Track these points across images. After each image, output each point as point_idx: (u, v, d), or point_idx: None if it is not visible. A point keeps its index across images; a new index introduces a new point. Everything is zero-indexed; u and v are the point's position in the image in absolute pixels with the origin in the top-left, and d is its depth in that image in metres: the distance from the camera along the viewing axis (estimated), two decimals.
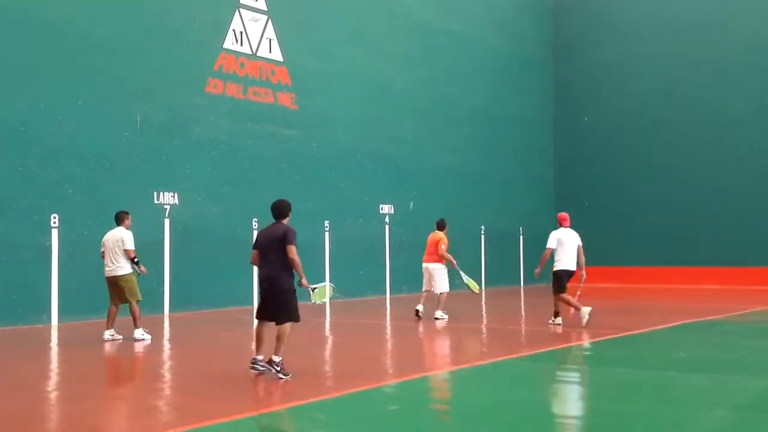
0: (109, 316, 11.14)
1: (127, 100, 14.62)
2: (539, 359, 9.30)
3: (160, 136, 15.13)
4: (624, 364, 8.86)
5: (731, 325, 13.24)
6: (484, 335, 12.25)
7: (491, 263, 22.95)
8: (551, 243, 12.30)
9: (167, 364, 9.43)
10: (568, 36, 26.52)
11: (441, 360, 9.77)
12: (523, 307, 17.28)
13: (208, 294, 15.70)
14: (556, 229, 12.49)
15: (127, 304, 11.12)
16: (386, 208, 19.84)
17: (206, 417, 6.07)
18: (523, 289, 23.05)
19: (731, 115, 23.42)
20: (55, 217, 13.35)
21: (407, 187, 20.49)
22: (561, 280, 12.22)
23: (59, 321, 13.23)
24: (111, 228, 11.19)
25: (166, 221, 15.02)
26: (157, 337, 11.88)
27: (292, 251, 8.12)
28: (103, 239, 11.27)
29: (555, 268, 12.25)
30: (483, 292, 21.62)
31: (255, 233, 16.46)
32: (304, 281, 8.40)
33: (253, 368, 7.97)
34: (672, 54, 24.43)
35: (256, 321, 8.45)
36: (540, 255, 12.58)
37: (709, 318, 13.94)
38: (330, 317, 15.03)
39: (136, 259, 11.02)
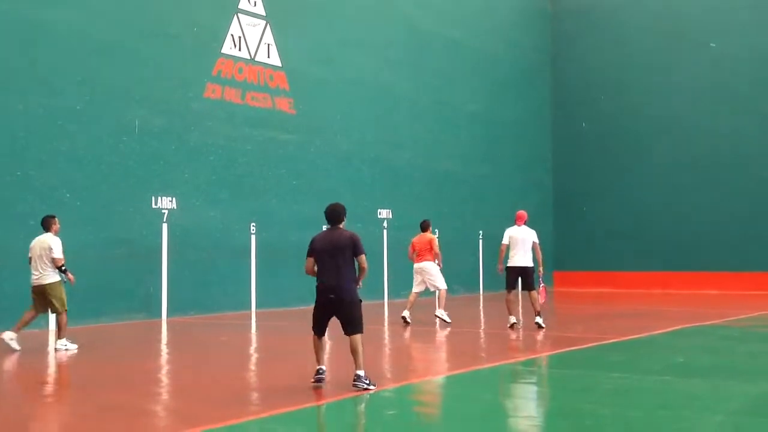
0: (21, 320, 10.51)
1: (126, 105, 14.62)
2: (537, 364, 9.30)
3: (159, 140, 15.13)
4: (622, 368, 8.85)
5: (730, 329, 13.24)
6: (481, 339, 12.25)
7: (489, 268, 22.92)
8: (504, 240, 12.88)
9: (164, 369, 9.42)
10: (567, 42, 26.58)
11: (439, 364, 9.76)
12: (521, 311, 17.27)
13: (205, 299, 15.69)
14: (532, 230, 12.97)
15: (54, 313, 10.54)
16: (384, 213, 19.84)
17: (203, 422, 6.06)
18: (521, 294, 23.01)
19: (729, 121, 23.46)
20: None
21: (405, 192, 20.50)
22: (508, 276, 12.75)
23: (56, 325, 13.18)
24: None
25: (164, 226, 15.01)
26: (154, 342, 11.88)
27: (364, 260, 7.71)
28: (30, 245, 10.57)
29: (506, 265, 12.80)
30: (481, 296, 21.62)
31: (253, 238, 16.51)
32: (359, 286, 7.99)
33: (318, 381, 7.49)
34: (670, 61, 24.49)
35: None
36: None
37: (708, 323, 13.94)
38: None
39: (64, 268, 10.41)
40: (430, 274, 14.03)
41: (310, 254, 8.02)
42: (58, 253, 10.40)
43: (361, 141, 19.39)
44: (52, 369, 9.58)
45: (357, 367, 7.48)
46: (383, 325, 14.42)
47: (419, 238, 14.27)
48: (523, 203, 24.55)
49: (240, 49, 16.72)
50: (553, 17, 26.94)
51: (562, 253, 25.95)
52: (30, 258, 10.58)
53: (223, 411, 6.52)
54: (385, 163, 19.98)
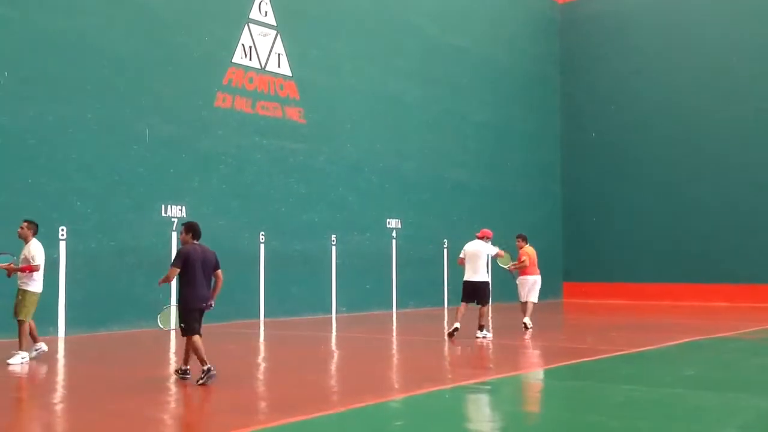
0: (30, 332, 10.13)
1: (136, 113, 14.68)
2: (547, 375, 9.26)
3: (169, 149, 15.18)
4: (632, 381, 8.81)
5: (740, 342, 13.16)
6: (490, 350, 12.21)
7: (497, 279, 22.87)
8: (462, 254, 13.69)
9: (172, 378, 9.42)
10: (576, 52, 26.56)
11: (447, 375, 9.73)
12: (528, 322, 17.20)
13: (214, 307, 15.66)
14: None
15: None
16: (393, 223, 19.84)
17: (210, 430, 6.05)
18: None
19: (740, 131, 23.39)
20: (63, 230, 13.38)
21: (414, 201, 20.50)
22: (463, 290, 13.48)
23: (66, 333, 13.24)
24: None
25: (174, 234, 15.04)
26: (163, 350, 11.89)
27: (221, 274, 9.00)
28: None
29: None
30: (489, 306, 21.54)
31: (262, 246, 16.52)
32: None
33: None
34: (679, 70, 24.44)
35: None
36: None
37: (718, 335, 13.85)
38: (336, 331, 15.01)
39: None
40: (536, 287, 14.75)
41: (178, 265, 8.64)
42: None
43: (371, 150, 19.41)
44: (60, 376, 9.59)
45: (201, 363, 8.31)
46: (392, 335, 14.41)
47: (532, 251, 15.04)
48: (531, 213, 24.63)
49: (251, 59, 16.78)
50: (562, 27, 26.94)
51: (571, 263, 25.88)
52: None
53: (231, 420, 6.52)
54: (394, 172, 19.99)
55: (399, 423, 6.70)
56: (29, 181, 13.12)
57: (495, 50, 23.84)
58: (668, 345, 12.49)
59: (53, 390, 8.56)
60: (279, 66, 17.36)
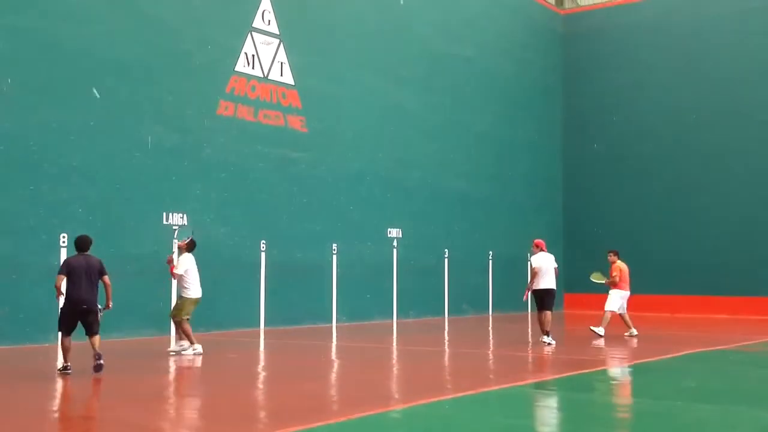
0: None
1: (139, 121, 14.71)
2: (546, 386, 9.25)
3: (171, 157, 15.20)
4: (634, 392, 8.79)
5: (741, 354, 13.14)
6: (490, 361, 12.20)
7: (499, 288, 22.88)
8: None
9: (173, 386, 9.41)
10: (578, 63, 26.61)
11: (447, 386, 9.72)
12: (530, 333, 17.20)
13: (215, 315, 15.68)
14: (549, 254, 14.07)
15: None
16: (394, 232, 19.84)
17: None
18: (531, 315, 22.93)
19: (742, 143, 23.41)
20: (64, 237, 13.38)
21: (415, 211, 20.50)
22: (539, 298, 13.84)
23: None
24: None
25: (175, 242, 15.04)
26: (164, 359, 11.87)
27: (108, 278, 10.00)
28: None
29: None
30: (490, 317, 21.55)
31: (263, 255, 16.51)
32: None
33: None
34: (682, 82, 24.48)
35: (63, 336, 9.87)
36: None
37: (719, 347, 13.84)
38: (336, 341, 15.00)
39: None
40: (625, 300, 15.48)
41: (63, 273, 9.70)
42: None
43: (372, 160, 19.43)
44: (60, 383, 9.59)
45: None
46: (392, 345, 14.39)
47: (625, 267, 15.60)
48: (533, 223, 24.64)
49: (253, 67, 16.82)
50: (564, 38, 27.00)
51: (572, 274, 25.81)
52: None
53: (231, 429, 6.51)
54: (395, 181, 20.01)
55: None
56: (31, 187, 13.14)
57: (498, 61, 23.88)
58: (669, 357, 12.47)
59: (53, 398, 8.56)
60: (282, 75, 17.40)
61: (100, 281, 9.79)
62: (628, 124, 25.36)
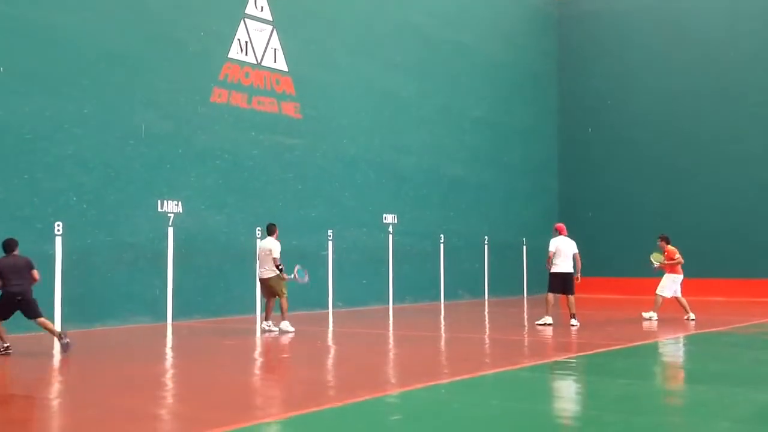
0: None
1: (132, 109, 14.66)
2: (541, 370, 9.29)
3: (165, 144, 15.17)
4: (628, 375, 8.84)
5: (736, 336, 13.21)
6: (486, 345, 12.24)
7: (494, 274, 22.94)
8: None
9: (170, 373, 9.43)
10: (573, 48, 26.56)
11: (444, 370, 9.75)
12: (525, 317, 17.26)
13: (211, 303, 15.71)
14: (569, 239, 14.29)
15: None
16: (390, 218, 19.85)
17: (207, 426, 6.07)
18: (527, 299, 23.01)
19: (736, 127, 23.44)
20: (59, 225, 13.37)
21: (411, 197, 20.51)
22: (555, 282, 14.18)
23: (62, 329, 13.19)
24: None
25: (170, 230, 15.05)
26: (160, 345, 11.90)
27: (37, 273, 10.95)
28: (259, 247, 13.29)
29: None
30: (486, 301, 21.61)
31: (258, 242, 16.50)
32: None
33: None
34: (677, 66, 24.47)
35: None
36: (542, 264, 13.35)
37: (714, 330, 13.90)
38: (333, 326, 15.03)
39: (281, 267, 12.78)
40: (677, 284, 15.53)
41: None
42: (277, 253, 12.97)
43: (367, 146, 19.40)
44: (57, 372, 9.60)
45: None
46: (388, 330, 14.43)
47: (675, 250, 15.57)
48: (528, 208, 24.69)
49: (246, 54, 16.76)
50: (559, 23, 26.94)
51: None
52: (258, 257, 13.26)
53: (229, 415, 6.53)
54: (391, 167, 19.99)
55: (396, 417, 6.71)
56: (25, 176, 13.10)
57: (493, 46, 23.83)
58: (664, 339, 12.53)
59: (49, 385, 8.57)
60: (275, 61, 17.34)
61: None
62: (623, 108, 25.35)
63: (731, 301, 21.57)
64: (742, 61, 23.45)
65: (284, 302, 13.16)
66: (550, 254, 13.97)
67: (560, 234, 14.27)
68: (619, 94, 25.49)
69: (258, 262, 13.59)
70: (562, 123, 26.52)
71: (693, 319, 15.11)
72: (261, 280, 13.35)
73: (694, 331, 13.44)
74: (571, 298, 14.01)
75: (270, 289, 13.20)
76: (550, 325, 13.88)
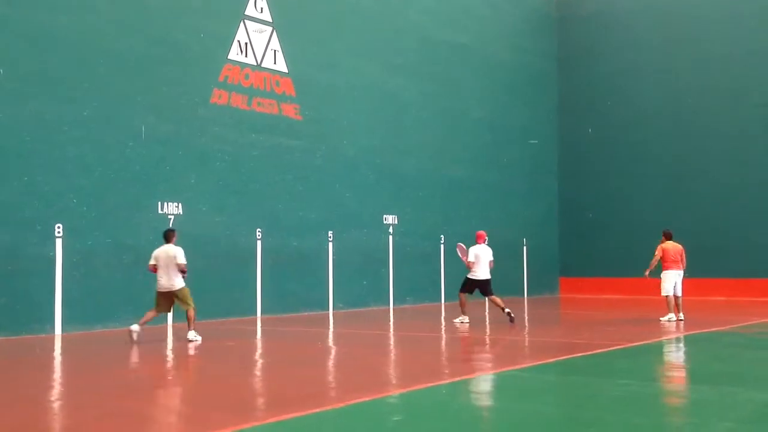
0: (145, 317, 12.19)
1: (132, 111, 14.67)
2: (543, 370, 9.28)
3: (165, 146, 15.18)
4: (628, 375, 8.84)
5: (736, 336, 13.20)
6: (487, 345, 12.24)
7: (495, 274, 22.86)
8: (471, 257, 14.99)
9: (171, 374, 9.43)
10: (573, 48, 26.57)
11: (444, 371, 9.76)
12: (526, 317, 17.26)
13: (211, 304, 15.68)
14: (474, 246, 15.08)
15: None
16: (390, 219, 19.85)
17: (209, 427, 6.07)
18: (527, 300, 23.01)
19: (737, 126, 23.43)
20: (59, 227, 13.38)
21: (411, 198, 20.51)
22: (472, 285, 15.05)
23: (63, 331, 13.24)
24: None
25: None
26: (160, 347, 11.89)
27: None
28: (155, 254, 12.13)
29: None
30: (486, 301, 21.59)
31: (259, 243, 16.52)
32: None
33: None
34: (677, 66, 24.47)
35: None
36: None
37: (714, 329, 13.90)
38: (333, 327, 15.03)
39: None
40: (680, 280, 15.49)
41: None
42: (182, 259, 11.92)
43: (368, 147, 19.41)
44: (58, 374, 9.61)
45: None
46: (389, 331, 14.43)
47: (674, 247, 15.57)
48: (529, 209, 24.69)
49: (246, 55, 16.77)
50: (559, 23, 26.94)
51: (567, 259, 25.92)
52: (154, 265, 12.04)
53: (229, 416, 6.53)
54: (391, 169, 20.00)
55: (397, 418, 6.71)
56: (25, 178, 13.11)
57: (492, 46, 23.83)
58: (664, 339, 12.53)
59: (51, 388, 8.57)
60: (275, 62, 17.35)
61: None
62: (623, 108, 25.35)
63: (732, 301, 21.56)
64: (743, 60, 23.44)
65: (192, 312, 12.12)
66: (470, 263, 14.90)
67: (479, 242, 15.15)
68: (619, 95, 25.49)
69: (159, 271, 12.01)
70: (563, 123, 26.52)
71: (673, 321, 15.00)
72: (164, 292, 12.04)
73: (694, 331, 13.43)
74: (495, 297, 14.96)
75: (174, 300, 12.10)
76: (467, 323, 14.65)
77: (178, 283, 11.97)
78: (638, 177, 24.88)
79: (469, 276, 15.01)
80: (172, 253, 11.92)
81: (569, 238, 26.01)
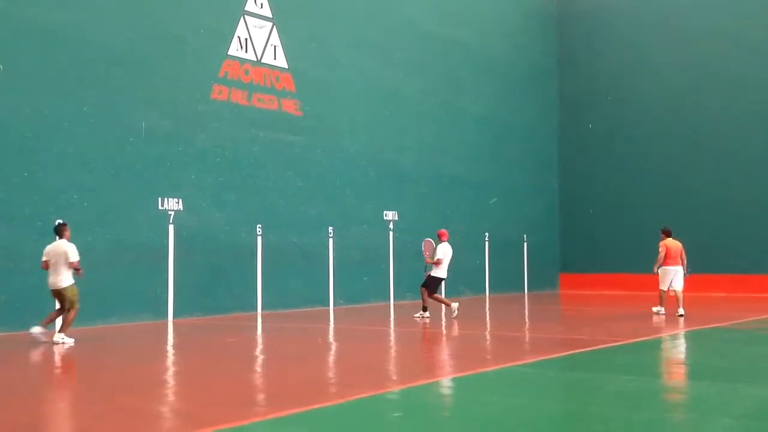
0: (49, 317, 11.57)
1: (132, 107, 14.66)
2: (544, 366, 9.29)
3: (165, 142, 15.17)
4: (629, 371, 8.84)
5: (736, 332, 13.20)
6: (488, 342, 12.24)
7: (495, 270, 22.94)
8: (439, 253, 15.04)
9: (171, 370, 9.44)
10: (573, 45, 26.55)
11: (445, 366, 9.76)
12: (527, 313, 17.26)
13: (212, 300, 15.72)
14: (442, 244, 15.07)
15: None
16: (390, 215, 19.85)
17: (209, 423, 6.07)
18: (528, 296, 23.02)
19: (737, 123, 23.43)
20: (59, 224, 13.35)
21: (411, 194, 20.50)
22: (438, 283, 15.21)
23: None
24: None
25: (171, 227, 15.05)
26: (161, 343, 11.90)
27: None
28: (46, 251, 11.44)
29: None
30: (487, 297, 21.61)
31: (259, 239, 16.51)
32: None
33: None
34: (676, 63, 24.46)
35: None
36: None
37: (714, 326, 13.90)
38: (333, 323, 15.03)
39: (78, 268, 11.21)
40: (680, 276, 15.79)
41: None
42: (74, 256, 11.15)
43: (368, 143, 19.40)
44: (59, 371, 9.61)
45: None
46: (389, 327, 14.43)
47: (674, 244, 15.89)
48: (529, 205, 24.69)
49: (246, 51, 16.75)
50: (559, 19, 26.92)
51: (568, 255, 25.93)
52: (46, 262, 11.30)
53: (230, 412, 6.54)
54: (391, 165, 19.99)
55: (397, 414, 6.72)
56: (26, 174, 13.10)
57: (493, 43, 23.81)
58: (665, 335, 12.53)
59: (52, 384, 8.57)
60: (275, 58, 17.34)
61: None
62: (624, 104, 25.35)
63: (732, 297, 21.57)
64: (743, 57, 23.43)
65: (73, 314, 11.28)
66: (440, 260, 14.95)
67: (444, 240, 15.24)
68: (619, 91, 25.48)
69: (49, 269, 11.28)
70: (563, 119, 26.52)
71: (662, 314, 15.49)
72: (53, 290, 11.32)
73: (695, 327, 13.44)
74: (439, 296, 15.40)
75: (64, 298, 11.29)
76: (428, 317, 14.94)
77: (65, 280, 11.15)
78: (639, 173, 24.88)
79: (436, 274, 15.10)
80: (62, 249, 11.15)
81: (570, 234, 26.01)
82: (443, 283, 15.51)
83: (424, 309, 15.07)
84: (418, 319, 14.81)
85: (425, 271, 15.46)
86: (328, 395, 7.38)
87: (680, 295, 15.58)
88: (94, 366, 9.63)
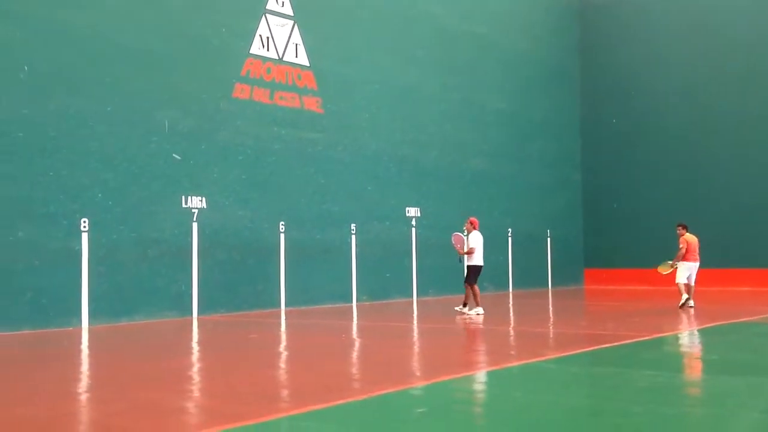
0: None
1: (155, 106, 14.75)
2: (568, 362, 9.23)
3: (188, 141, 15.25)
4: (654, 366, 8.77)
5: (764, 327, 13.06)
6: (511, 337, 12.20)
7: (518, 266, 22.85)
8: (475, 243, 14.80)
9: (196, 367, 9.49)
10: (595, 39, 26.37)
11: (469, 362, 9.73)
12: (551, 309, 17.18)
13: (235, 297, 15.79)
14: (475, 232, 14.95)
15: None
16: (412, 211, 19.83)
17: (233, 419, 6.09)
18: (551, 291, 22.91)
19: (764, 113, 23.14)
20: (84, 222, 13.49)
21: (433, 190, 20.47)
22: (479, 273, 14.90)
23: (89, 324, 13.37)
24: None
25: (194, 225, 15.13)
26: (186, 340, 11.97)
27: None
28: None
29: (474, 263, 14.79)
30: (510, 293, 21.54)
31: (282, 236, 16.56)
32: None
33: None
34: (699, 56, 24.21)
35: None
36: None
37: (742, 320, 13.76)
38: (357, 320, 15.04)
39: None
40: (696, 271, 16.15)
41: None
42: None
43: (389, 140, 19.39)
44: (84, 366, 9.69)
45: None
46: (412, 323, 14.42)
47: (693, 239, 16.20)
48: (552, 200, 24.56)
49: (268, 49, 16.80)
50: (580, 13, 26.75)
51: (592, 250, 25.77)
52: None
53: (254, 408, 6.56)
54: (412, 161, 19.97)
55: (421, 410, 6.71)
56: (51, 173, 13.23)
57: (514, 38, 23.71)
58: (691, 330, 12.42)
59: (77, 380, 8.65)
60: (297, 56, 17.37)
61: None
62: (646, 99, 25.14)
63: (759, 291, 21.33)
64: (765, 49, 23.13)
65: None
66: (472, 249, 14.76)
67: (475, 228, 15.07)
68: (641, 84, 25.27)
69: None
70: (585, 114, 26.36)
71: (690, 306, 15.69)
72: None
73: (721, 322, 13.30)
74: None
75: None
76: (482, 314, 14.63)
77: None
78: (662, 166, 24.68)
79: (475, 263, 14.85)
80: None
81: (594, 229, 25.86)
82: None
83: (477, 305, 14.88)
84: (474, 317, 14.42)
85: (460, 261, 15.43)
86: (351, 391, 7.39)
87: (692, 291, 16.01)
88: (118, 362, 9.71)
